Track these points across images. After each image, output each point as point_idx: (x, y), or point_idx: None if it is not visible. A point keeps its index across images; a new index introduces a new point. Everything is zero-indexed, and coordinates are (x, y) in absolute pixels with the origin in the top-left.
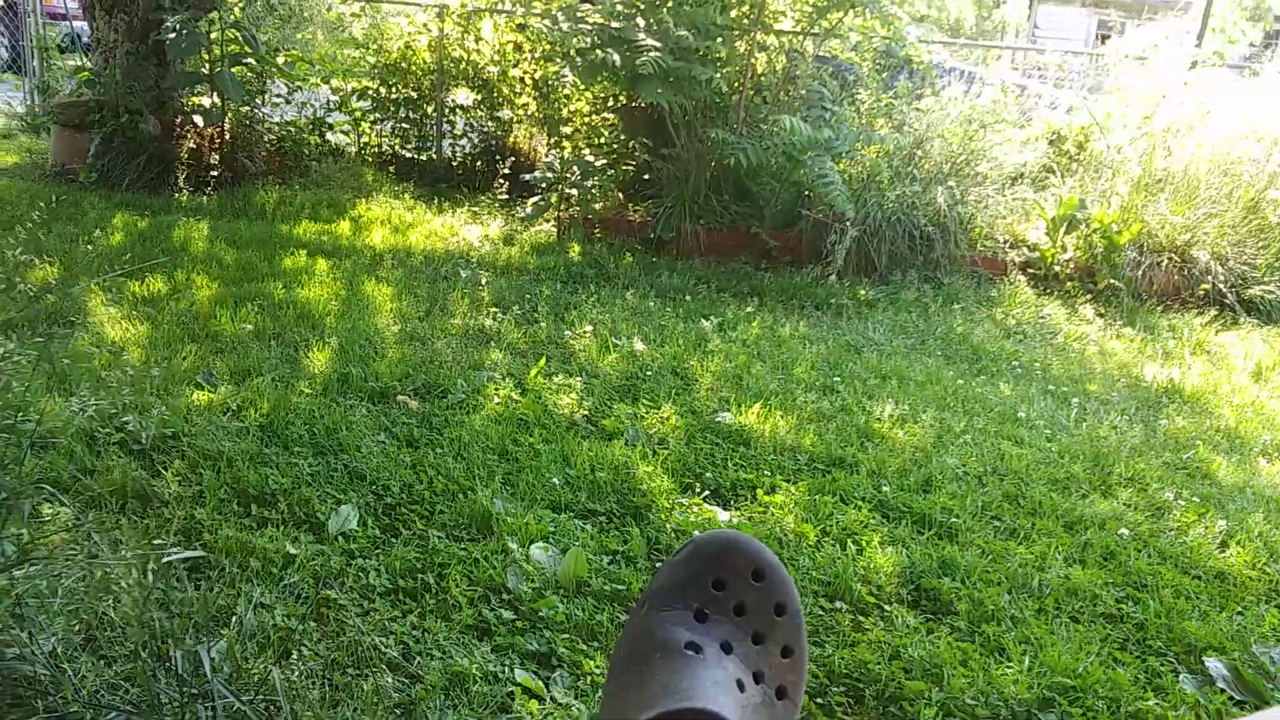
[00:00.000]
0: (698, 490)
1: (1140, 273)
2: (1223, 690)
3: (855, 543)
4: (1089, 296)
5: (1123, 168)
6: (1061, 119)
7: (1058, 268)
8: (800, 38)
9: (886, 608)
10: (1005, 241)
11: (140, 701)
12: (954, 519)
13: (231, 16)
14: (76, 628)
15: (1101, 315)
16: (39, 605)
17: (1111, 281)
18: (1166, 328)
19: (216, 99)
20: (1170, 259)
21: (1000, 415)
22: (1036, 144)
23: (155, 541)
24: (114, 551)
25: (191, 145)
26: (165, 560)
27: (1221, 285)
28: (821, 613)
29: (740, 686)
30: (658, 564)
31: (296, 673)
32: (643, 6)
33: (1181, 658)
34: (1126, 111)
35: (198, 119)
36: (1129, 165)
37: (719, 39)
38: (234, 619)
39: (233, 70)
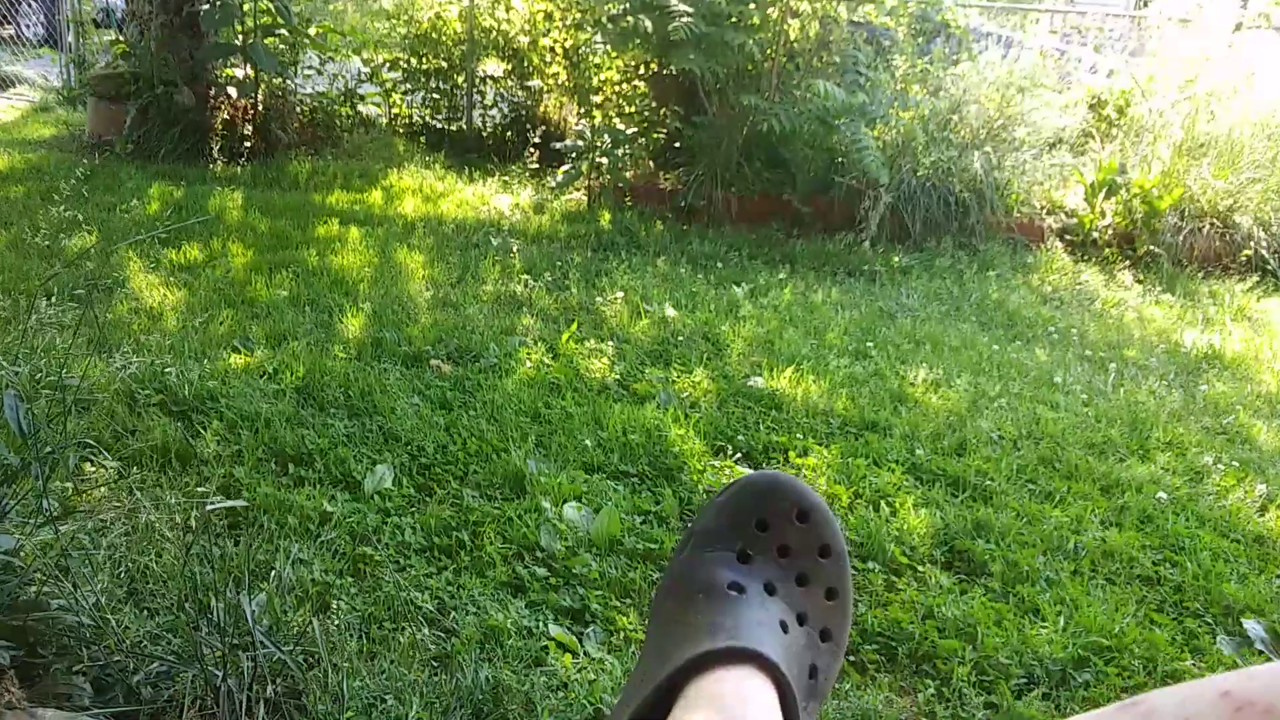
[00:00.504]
0: (729, 453)
1: (1181, 239)
2: (1261, 651)
3: (888, 505)
4: (1128, 263)
5: (1164, 132)
6: (1102, 83)
7: (1096, 234)
8: (834, 2)
9: (920, 568)
10: (1042, 207)
11: (182, 651)
12: (988, 482)
13: None
14: (119, 580)
15: (1140, 282)
16: (83, 558)
17: (1151, 248)
18: (1207, 294)
19: (250, 70)
20: (1212, 225)
21: (1036, 380)
22: (1075, 108)
23: (195, 499)
24: (156, 508)
25: (225, 116)
26: (207, 511)
27: (1264, 251)
28: (855, 573)
29: (784, 627)
30: (689, 524)
31: (335, 625)
32: None
33: (1219, 619)
34: (1169, 75)
35: (231, 90)
36: (1171, 129)
37: (752, 4)
38: (273, 574)
39: (265, 42)
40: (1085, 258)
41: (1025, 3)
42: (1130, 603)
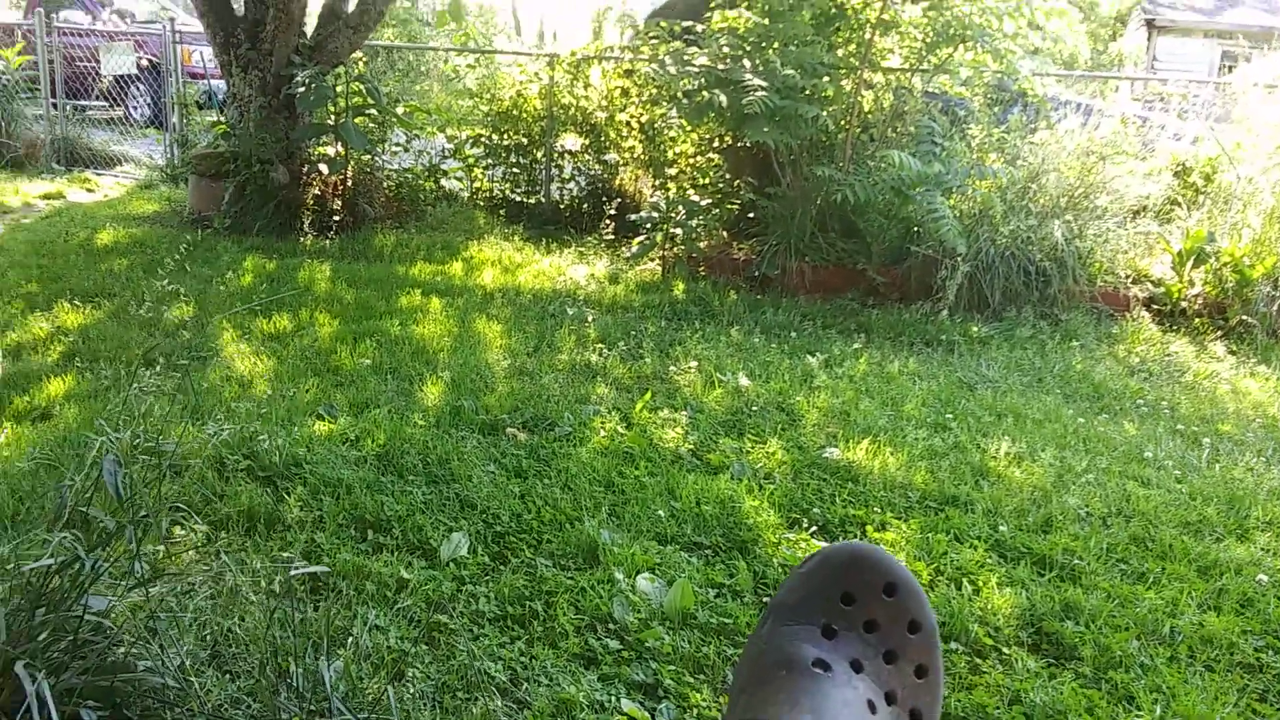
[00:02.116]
0: (805, 526)
1: (1275, 308)
2: None
3: (971, 582)
4: (1219, 333)
5: (1254, 199)
6: (1186, 150)
7: (1184, 303)
8: (908, 74)
9: (1005, 650)
10: (1127, 277)
11: (262, 715)
12: (1076, 561)
13: (356, 70)
14: (204, 643)
15: (1233, 353)
16: (170, 620)
17: (1244, 317)
18: None
19: (341, 148)
20: None
21: (1125, 455)
22: (1160, 176)
23: (280, 559)
24: (241, 570)
25: (316, 192)
26: (290, 575)
27: None
28: None
29: (871, 708)
30: (765, 599)
31: (409, 693)
32: (749, 48)
33: None
34: (1257, 141)
35: (323, 167)
36: (1261, 196)
37: (825, 78)
38: (350, 640)
39: (356, 121)
40: (1174, 328)
41: (1104, 70)
42: (1231, 691)
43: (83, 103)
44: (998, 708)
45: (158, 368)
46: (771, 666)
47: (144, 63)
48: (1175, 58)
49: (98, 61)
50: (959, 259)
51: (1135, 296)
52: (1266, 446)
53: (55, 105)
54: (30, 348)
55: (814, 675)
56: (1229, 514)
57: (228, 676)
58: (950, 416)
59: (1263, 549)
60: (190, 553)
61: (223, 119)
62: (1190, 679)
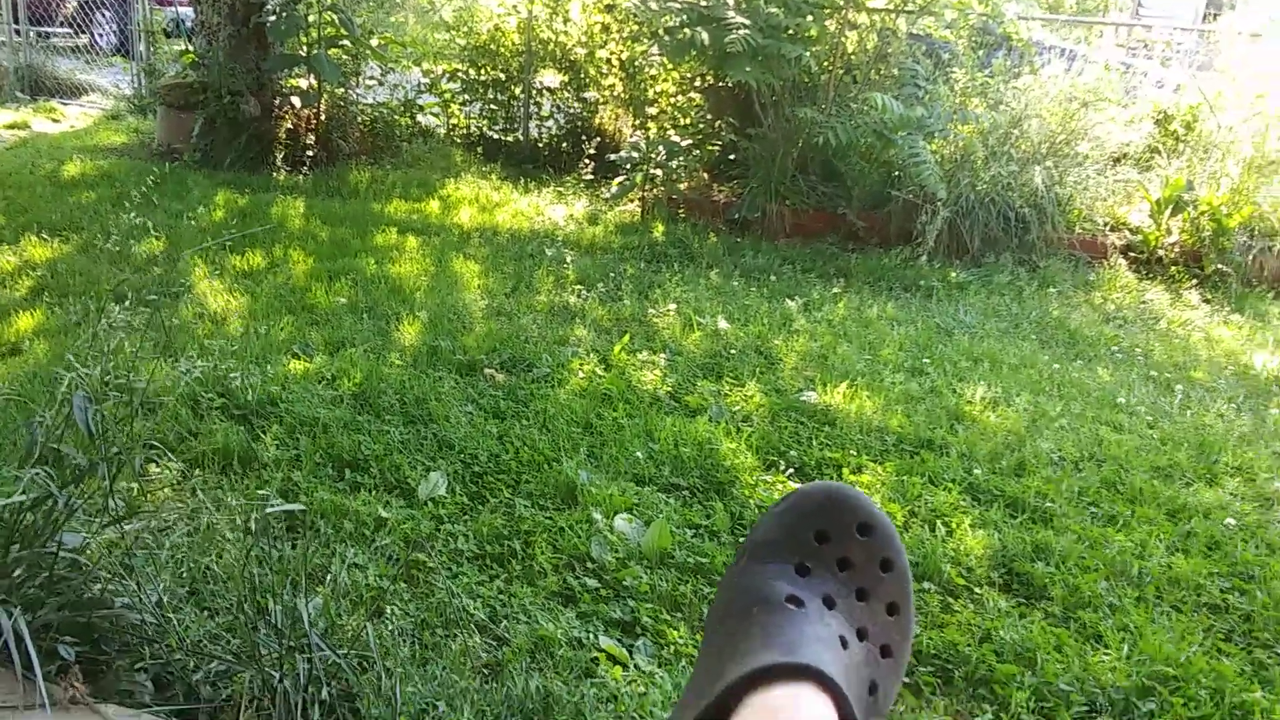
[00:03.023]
0: (782, 468)
1: (1250, 258)
2: None
3: (945, 524)
4: (1194, 282)
5: (1234, 148)
6: (1168, 98)
7: (1161, 252)
8: (893, 15)
9: (977, 590)
10: (1105, 224)
11: (240, 652)
12: (1049, 504)
13: (328, 0)
14: (181, 580)
15: (1208, 301)
16: (147, 557)
17: (1219, 266)
18: (1278, 315)
19: (313, 81)
20: None
21: (1099, 401)
22: (1141, 124)
23: (255, 502)
24: (217, 509)
25: (289, 125)
26: (266, 514)
27: None
28: None
29: (843, 643)
30: (741, 539)
31: (388, 630)
32: None
33: None
34: (1239, 90)
35: (295, 100)
36: (1240, 146)
37: (809, 16)
38: (329, 577)
39: (329, 53)
40: (1150, 276)
41: (1089, 16)
42: (1197, 631)
43: (47, 29)
44: (968, 645)
45: (128, 303)
46: (746, 603)
47: None
48: (1161, 3)
49: None
50: (939, 204)
51: (1113, 244)
52: (1237, 394)
53: (18, 32)
54: None
55: (787, 611)
56: (1199, 459)
57: (206, 613)
58: (927, 361)
59: (1231, 493)
60: (166, 490)
61: (191, 48)
62: (1157, 619)
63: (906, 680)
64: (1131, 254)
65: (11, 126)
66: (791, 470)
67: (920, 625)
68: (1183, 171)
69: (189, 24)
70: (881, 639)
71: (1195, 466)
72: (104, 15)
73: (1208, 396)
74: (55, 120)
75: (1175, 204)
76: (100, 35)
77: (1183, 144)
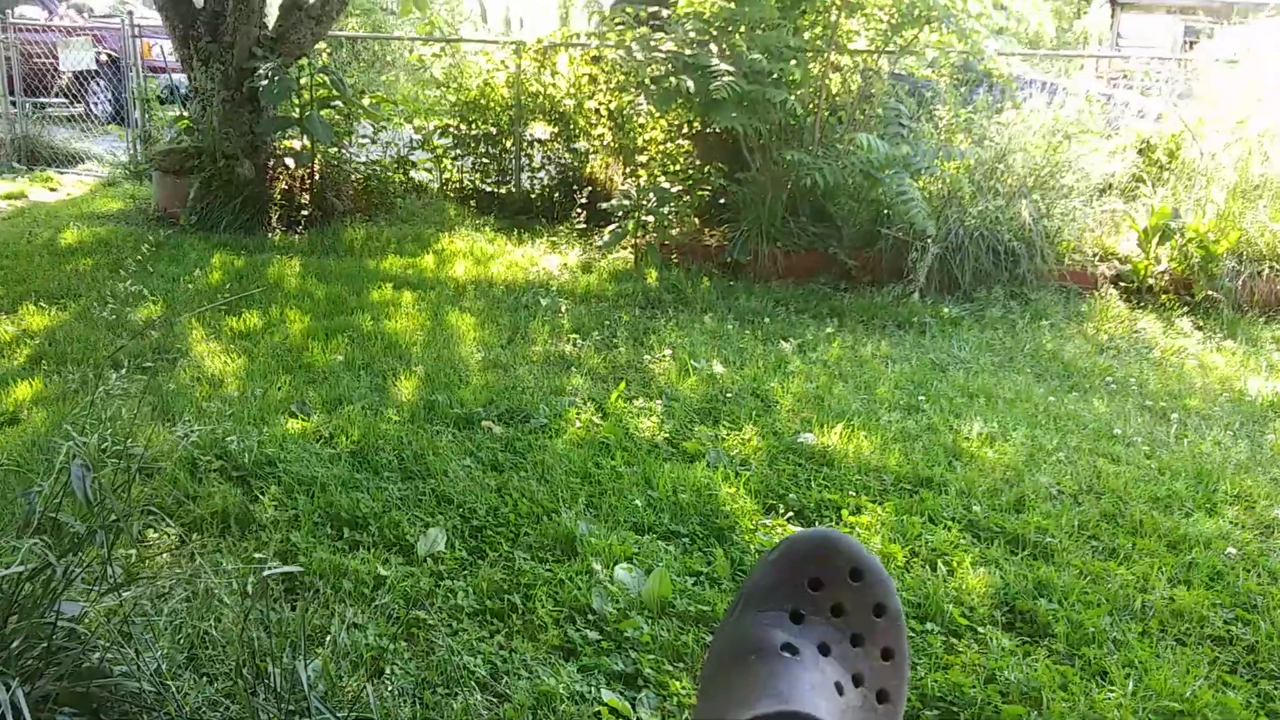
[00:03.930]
0: (781, 511)
1: (1240, 283)
2: None
3: (945, 564)
4: (1186, 309)
5: (1217, 175)
6: (1150, 127)
7: (1151, 280)
8: (875, 56)
9: (980, 630)
10: (1094, 254)
11: (239, 717)
12: (1049, 539)
13: (320, 62)
14: (180, 646)
15: (1200, 328)
16: (145, 624)
17: (1210, 293)
18: (1270, 339)
19: (306, 141)
20: (1272, 268)
21: (1095, 432)
22: (1125, 153)
23: (255, 560)
24: (216, 573)
25: (283, 186)
26: (264, 577)
27: None
28: (912, 634)
29: (839, 689)
30: (741, 585)
31: (389, 691)
32: (715, 32)
33: None
34: (1219, 117)
35: (289, 161)
36: (1224, 172)
37: (793, 61)
38: (328, 638)
39: (321, 113)
40: (1141, 305)
41: (1068, 49)
42: (1202, 664)
43: (42, 100)
44: (973, 687)
45: (125, 369)
46: (742, 651)
47: (103, 58)
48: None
49: (56, 58)
50: (929, 240)
51: (1103, 274)
52: (1233, 420)
53: (14, 103)
54: None
55: (783, 659)
56: (1197, 488)
57: (205, 679)
58: (923, 398)
59: (1231, 522)
60: (164, 555)
61: (185, 114)
62: (1162, 653)
63: None
64: (1122, 283)
65: (9, 196)
66: (791, 513)
67: (924, 667)
68: (1168, 199)
69: (183, 90)
70: (877, 684)
71: (1194, 496)
72: (99, 84)
73: (1204, 424)
74: (52, 189)
75: (1163, 232)
76: (95, 104)
77: (1167, 172)
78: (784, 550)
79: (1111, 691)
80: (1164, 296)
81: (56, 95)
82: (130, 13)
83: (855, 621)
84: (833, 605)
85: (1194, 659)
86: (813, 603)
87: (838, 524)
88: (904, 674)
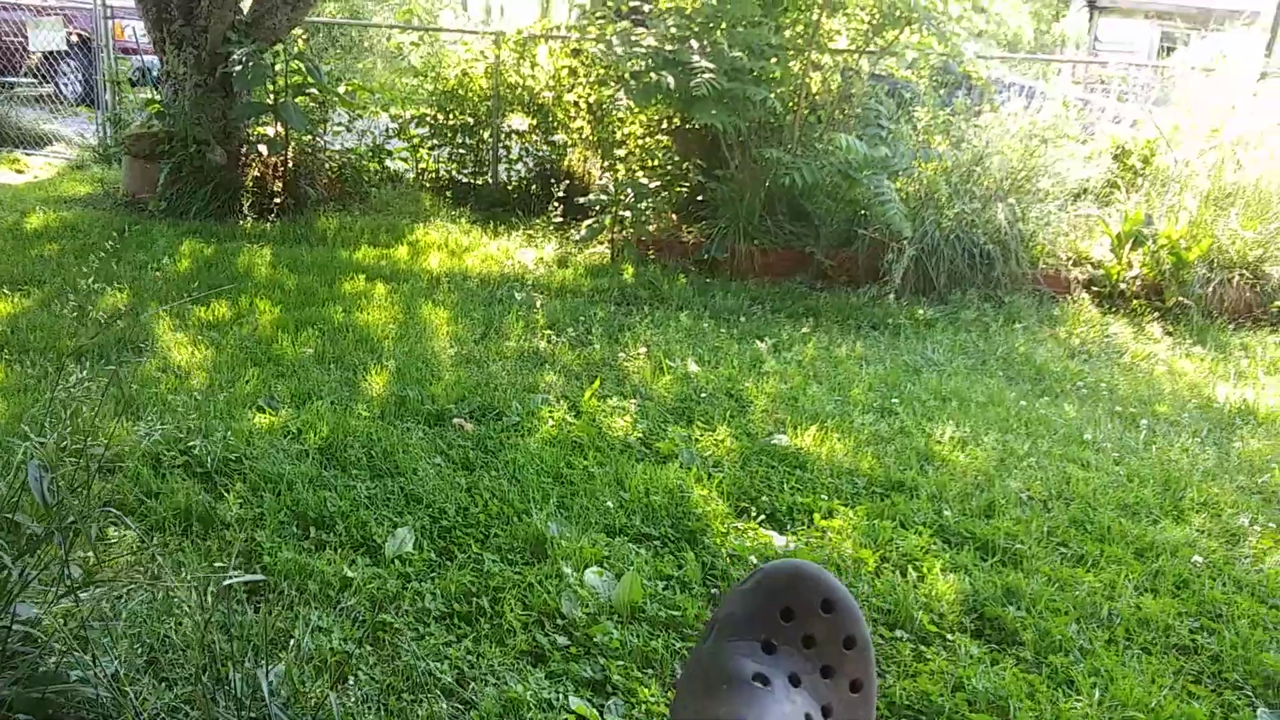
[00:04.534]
0: (753, 514)
1: (1210, 290)
2: None
3: (916, 569)
4: (1156, 315)
5: (1191, 182)
6: (1126, 133)
7: (1123, 285)
8: (855, 56)
9: (949, 637)
10: (1068, 259)
11: None
12: (1018, 545)
13: (295, 48)
14: (139, 650)
15: (1170, 334)
16: (103, 628)
17: (1180, 299)
18: (1239, 346)
19: (280, 128)
20: (1242, 275)
21: (1065, 437)
22: (1100, 159)
23: (217, 564)
24: (177, 574)
25: (256, 174)
26: (224, 584)
27: None
28: (882, 641)
29: None
30: (713, 589)
31: (353, 698)
32: (696, 29)
33: (1259, 691)
34: (1194, 124)
35: (262, 148)
36: (1197, 179)
37: (773, 59)
38: (292, 642)
39: (296, 100)
40: (1113, 310)
41: (1046, 53)
42: (1167, 673)
43: (10, 80)
44: (941, 695)
45: (89, 361)
46: (714, 680)
47: (74, 38)
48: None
49: (25, 37)
50: (905, 242)
51: (1076, 279)
52: (1201, 427)
53: None
54: None
55: (754, 689)
56: (1165, 495)
57: (164, 684)
58: (896, 401)
59: (1197, 530)
60: (124, 556)
61: (157, 97)
62: (1128, 662)
63: None
64: (1094, 288)
65: None
66: (763, 516)
67: (893, 675)
68: (1142, 205)
69: (155, 73)
70: (846, 716)
71: (1162, 503)
72: (69, 65)
73: (1172, 431)
74: (19, 171)
75: (1135, 238)
76: (65, 85)
77: (1141, 178)
78: (757, 580)
79: (1078, 701)
80: (1135, 302)
81: (25, 75)
82: None
83: (826, 653)
84: (804, 636)
85: (1159, 668)
86: (784, 633)
87: (810, 528)
88: (872, 705)
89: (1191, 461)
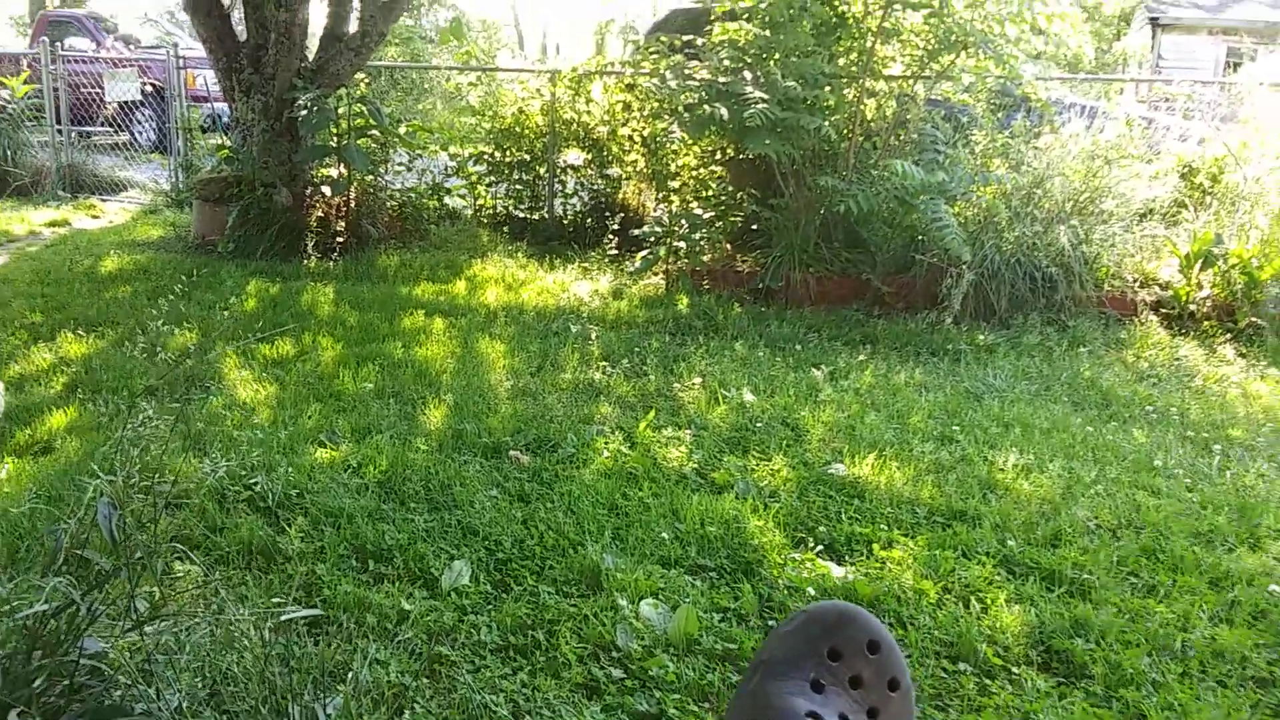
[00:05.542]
0: (811, 545)
1: None
2: None
3: (979, 600)
4: (1228, 336)
5: (1262, 200)
6: (1192, 151)
7: (1193, 306)
8: (911, 81)
9: (1014, 670)
10: (1135, 281)
11: None
12: (1086, 575)
13: (358, 92)
14: (201, 683)
15: (1243, 356)
16: (167, 661)
17: (1253, 320)
18: None
19: (343, 170)
20: None
21: (1134, 464)
22: (1166, 178)
23: (277, 599)
24: (240, 608)
25: (320, 214)
26: (282, 619)
27: None
28: (944, 675)
29: None
30: (770, 622)
31: None
32: (749, 60)
33: None
34: (1264, 141)
35: (326, 189)
36: (1268, 197)
37: (827, 88)
38: (350, 675)
39: (358, 142)
40: (1182, 332)
41: (1107, 72)
42: (1244, 707)
43: (88, 129)
44: None
45: (159, 399)
46: (767, 718)
47: (148, 88)
48: (1180, 56)
49: (103, 88)
50: (964, 267)
51: (1143, 300)
52: (1278, 452)
53: (60, 132)
54: (33, 379)
55: None
56: (1240, 523)
57: (225, 717)
58: (957, 428)
59: (1275, 558)
60: (189, 590)
61: (227, 143)
62: (1202, 695)
63: None
64: (1162, 310)
65: (52, 224)
66: (821, 547)
67: (956, 709)
68: (1210, 225)
69: (225, 119)
70: None
71: (1237, 531)
72: (143, 114)
73: (1247, 456)
74: (95, 216)
75: (1205, 258)
76: (139, 133)
77: (1209, 197)
78: (802, 622)
79: None
80: (1206, 323)
81: (102, 124)
82: (176, 45)
83: (872, 695)
84: (851, 677)
85: (1235, 702)
86: (833, 673)
87: (869, 558)
88: None
89: (1268, 487)
